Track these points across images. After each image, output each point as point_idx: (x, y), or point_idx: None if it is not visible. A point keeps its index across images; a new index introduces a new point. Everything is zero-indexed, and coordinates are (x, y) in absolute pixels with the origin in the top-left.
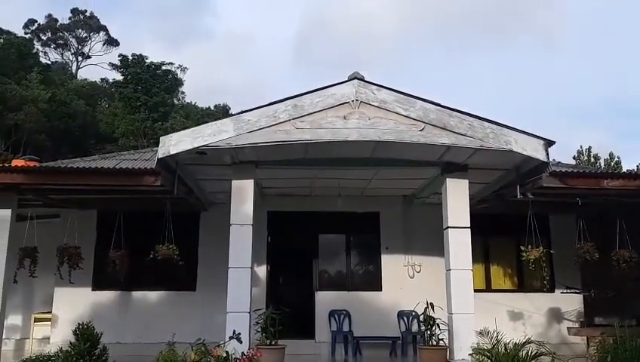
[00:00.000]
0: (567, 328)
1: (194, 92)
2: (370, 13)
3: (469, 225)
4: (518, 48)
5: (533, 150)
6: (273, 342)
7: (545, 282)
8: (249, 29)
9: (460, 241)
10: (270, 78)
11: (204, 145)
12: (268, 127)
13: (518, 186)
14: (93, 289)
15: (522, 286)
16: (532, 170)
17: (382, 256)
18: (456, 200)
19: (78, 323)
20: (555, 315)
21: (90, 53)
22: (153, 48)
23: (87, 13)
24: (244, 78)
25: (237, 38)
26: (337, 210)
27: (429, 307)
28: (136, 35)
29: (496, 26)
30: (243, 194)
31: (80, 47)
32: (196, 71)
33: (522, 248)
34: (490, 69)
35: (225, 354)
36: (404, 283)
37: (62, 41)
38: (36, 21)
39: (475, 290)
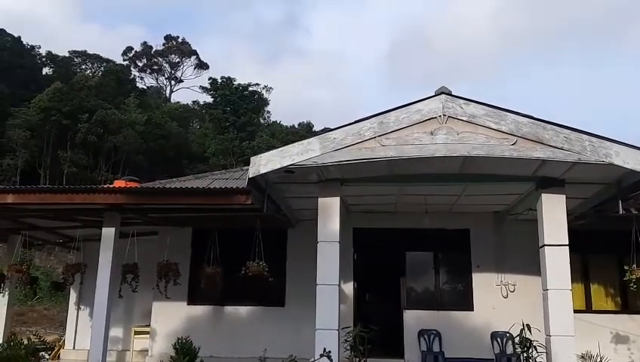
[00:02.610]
0: None
1: (279, 110)
2: (466, 27)
3: (567, 243)
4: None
5: (636, 163)
6: (362, 361)
7: None
8: (340, 47)
9: (557, 260)
10: (358, 95)
11: (291, 164)
12: (353, 144)
13: (620, 201)
14: (188, 304)
15: (626, 306)
16: (635, 183)
17: (473, 274)
18: (553, 216)
19: (178, 338)
20: None
21: (182, 77)
22: (242, 68)
23: (180, 39)
24: (331, 95)
25: (327, 56)
26: (424, 227)
27: (525, 328)
28: (226, 56)
29: (601, 36)
30: (329, 212)
31: (173, 72)
32: (282, 90)
33: (626, 267)
34: (596, 79)
35: None
36: (498, 302)
37: (156, 67)
38: (133, 48)
39: (575, 311)
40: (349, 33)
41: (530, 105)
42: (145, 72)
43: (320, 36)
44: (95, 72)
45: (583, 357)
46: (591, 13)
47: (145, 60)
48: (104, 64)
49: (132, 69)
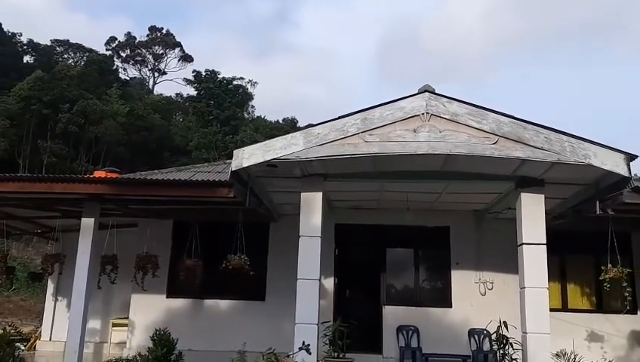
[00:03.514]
0: None
1: (265, 106)
2: (455, 27)
3: (544, 242)
4: (616, 61)
5: (614, 164)
6: (341, 355)
7: (626, 303)
8: (330, 44)
9: (535, 258)
10: (346, 93)
11: (275, 158)
12: (337, 140)
13: (598, 202)
14: (167, 296)
15: (601, 306)
16: (612, 185)
17: (452, 271)
18: (532, 215)
19: (156, 329)
20: (638, 338)
21: (165, 69)
22: (228, 62)
23: (164, 31)
24: (319, 93)
25: (316, 53)
26: (406, 224)
27: (502, 325)
28: (213, 50)
29: (593, 40)
30: (312, 207)
31: (156, 64)
32: (268, 85)
33: (603, 267)
34: (581, 83)
35: None
36: (476, 300)
37: (140, 58)
38: (116, 39)
39: (551, 309)
40: (340, 30)
41: (526, 106)
42: (128, 62)
43: (310, 33)
44: (77, 62)
45: (557, 354)
46: (590, 12)
47: (128, 51)
48: (87, 54)
49: (115, 59)
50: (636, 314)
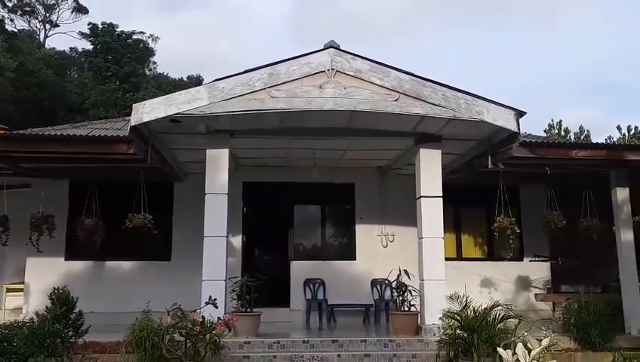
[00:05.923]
0: (535, 294)
1: (169, 62)
2: None
3: (441, 195)
4: (518, 26)
5: (505, 120)
6: (249, 310)
7: (510, 250)
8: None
9: (432, 210)
10: (259, 51)
11: (177, 113)
12: (243, 95)
13: (490, 157)
14: (66, 259)
15: (492, 255)
16: (503, 140)
17: (356, 226)
18: (429, 170)
19: (54, 288)
20: (524, 283)
21: (58, 22)
22: (131, 16)
23: None
24: (228, 50)
25: (226, 8)
26: (313, 181)
27: (403, 273)
28: (113, 2)
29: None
30: (218, 164)
31: (48, 15)
32: (172, 41)
33: (498, 218)
34: (488, 45)
35: (201, 319)
36: (378, 252)
37: (29, 8)
38: None
39: (447, 259)
40: None
41: (440, 69)
42: (15, 13)
43: None
44: None
45: (451, 298)
46: None
47: (15, 0)
48: None
49: (0, 9)
50: (522, 261)
